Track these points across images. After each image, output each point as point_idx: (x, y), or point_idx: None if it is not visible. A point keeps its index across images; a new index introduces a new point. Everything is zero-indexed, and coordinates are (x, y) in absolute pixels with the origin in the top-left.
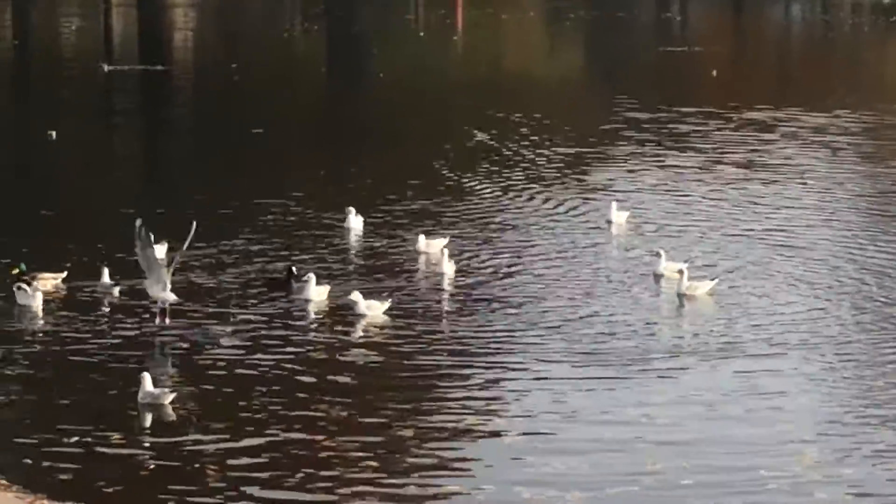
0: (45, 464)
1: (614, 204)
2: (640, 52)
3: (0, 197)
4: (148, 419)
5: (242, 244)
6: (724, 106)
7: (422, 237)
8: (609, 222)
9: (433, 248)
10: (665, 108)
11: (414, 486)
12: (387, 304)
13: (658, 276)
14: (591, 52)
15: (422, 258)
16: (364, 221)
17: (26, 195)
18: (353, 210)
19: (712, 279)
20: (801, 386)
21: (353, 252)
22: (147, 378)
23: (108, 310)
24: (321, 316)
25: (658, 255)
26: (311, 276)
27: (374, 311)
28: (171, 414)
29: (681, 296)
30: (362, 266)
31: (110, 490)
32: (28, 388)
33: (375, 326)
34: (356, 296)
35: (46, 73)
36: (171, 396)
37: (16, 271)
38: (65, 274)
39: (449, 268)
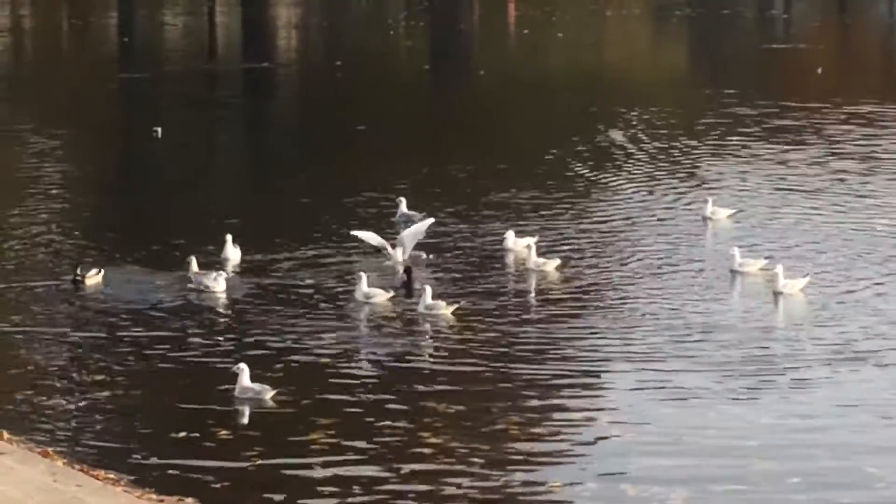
0: (154, 459)
1: (710, 200)
2: (746, 49)
3: (106, 193)
4: (248, 414)
5: (343, 241)
6: (831, 103)
7: (510, 234)
8: (706, 219)
9: (522, 245)
10: (772, 105)
11: (518, 482)
12: (454, 306)
13: (734, 273)
14: (697, 49)
15: (510, 256)
16: (444, 215)
17: (131, 191)
18: (404, 200)
19: (804, 276)
20: None
21: (443, 249)
22: (245, 373)
23: (204, 303)
24: (418, 314)
25: (732, 251)
26: (362, 276)
27: (438, 310)
28: (272, 409)
29: (777, 294)
30: (448, 263)
31: (218, 486)
32: (135, 383)
33: (469, 325)
34: (426, 289)
35: (153, 70)
36: (271, 392)
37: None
38: (102, 272)
39: (537, 264)
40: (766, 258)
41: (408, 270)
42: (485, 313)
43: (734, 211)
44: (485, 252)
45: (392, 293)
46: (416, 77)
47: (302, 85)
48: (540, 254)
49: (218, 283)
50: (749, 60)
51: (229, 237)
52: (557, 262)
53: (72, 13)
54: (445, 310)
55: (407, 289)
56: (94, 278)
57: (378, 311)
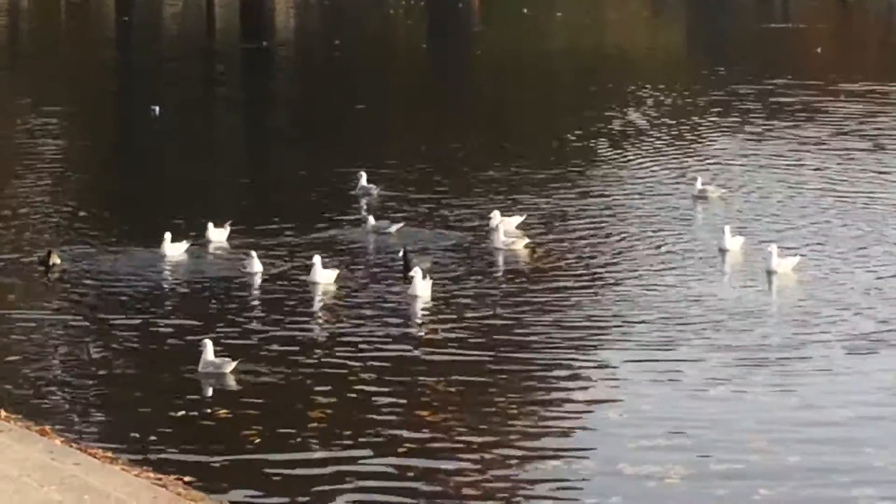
0: (152, 438)
1: (699, 178)
2: (744, 28)
3: (101, 171)
4: (247, 394)
5: (337, 220)
6: (830, 82)
7: (496, 213)
8: (695, 198)
9: (508, 225)
10: (770, 84)
11: (516, 459)
12: (430, 281)
13: (723, 252)
14: (695, 28)
15: (495, 235)
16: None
17: (127, 169)
18: (364, 174)
19: (795, 255)
20: None
21: (432, 228)
22: (208, 348)
23: (199, 282)
24: (407, 295)
25: (722, 231)
26: (317, 259)
27: (425, 291)
28: (271, 389)
29: (770, 273)
30: (434, 242)
31: (216, 465)
32: (133, 363)
33: (456, 306)
34: (417, 272)
35: (151, 49)
36: (232, 365)
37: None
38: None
39: (504, 243)
40: (739, 235)
41: (405, 252)
42: (470, 294)
43: (724, 189)
44: (472, 231)
45: (338, 272)
46: (414, 56)
47: (301, 64)
48: (527, 233)
49: (253, 265)
50: (748, 40)
51: (210, 224)
52: (526, 241)
53: None
54: (428, 290)
55: (404, 271)
56: (54, 258)
57: (368, 293)
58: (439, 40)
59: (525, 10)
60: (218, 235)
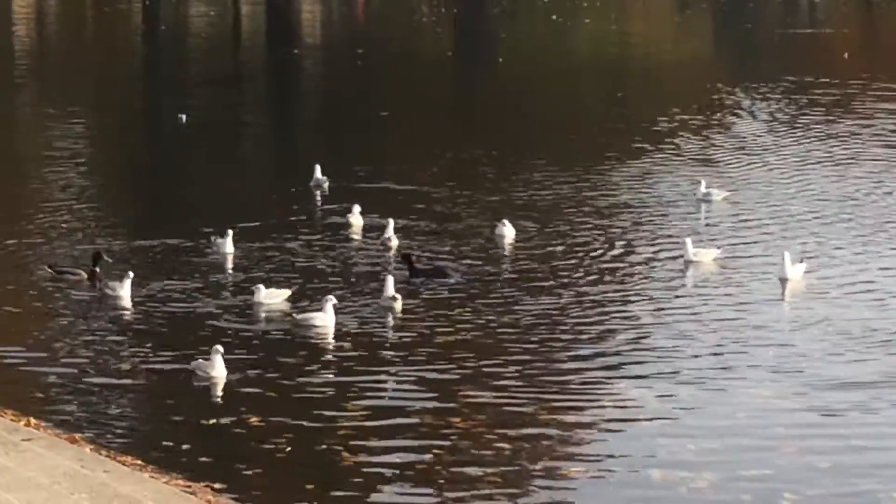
0: (183, 446)
1: (703, 182)
2: (771, 34)
3: (126, 179)
4: (278, 401)
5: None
6: (857, 87)
7: (505, 221)
8: (700, 202)
9: (508, 232)
10: (795, 90)
11: (543, 468)
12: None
13: (688, 263)
14: (721, 35)
15: (503, 241)
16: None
17: (152, 178)
18: (318, 167)
19: (800, 261)
20: None
21: (442, 232)
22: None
23: (226, 295)
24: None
25: (684, 242)
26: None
27: (396, 303)
28: (301, 395)
29: (783, 280)
30: (441, 246)
31: (248, 472)
32: (163, 369)
33: (471, 313)
34: (389, 280)
35: (178, 58)
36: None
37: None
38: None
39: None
40: (718, 248)
41: (406, 257)
42: (486, 299)
43: (727, 192)
44: (481, 237)
45: (290, 292)
46: (440, 63)
47: (327, 72)
48: (532, 239)
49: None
50: (774, 45)
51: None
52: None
53: (98, 0)
54: (399, 303)
55: (411, 273)
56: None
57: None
58: (466, 48)
59: (554, 17)
60: (224, 246)
